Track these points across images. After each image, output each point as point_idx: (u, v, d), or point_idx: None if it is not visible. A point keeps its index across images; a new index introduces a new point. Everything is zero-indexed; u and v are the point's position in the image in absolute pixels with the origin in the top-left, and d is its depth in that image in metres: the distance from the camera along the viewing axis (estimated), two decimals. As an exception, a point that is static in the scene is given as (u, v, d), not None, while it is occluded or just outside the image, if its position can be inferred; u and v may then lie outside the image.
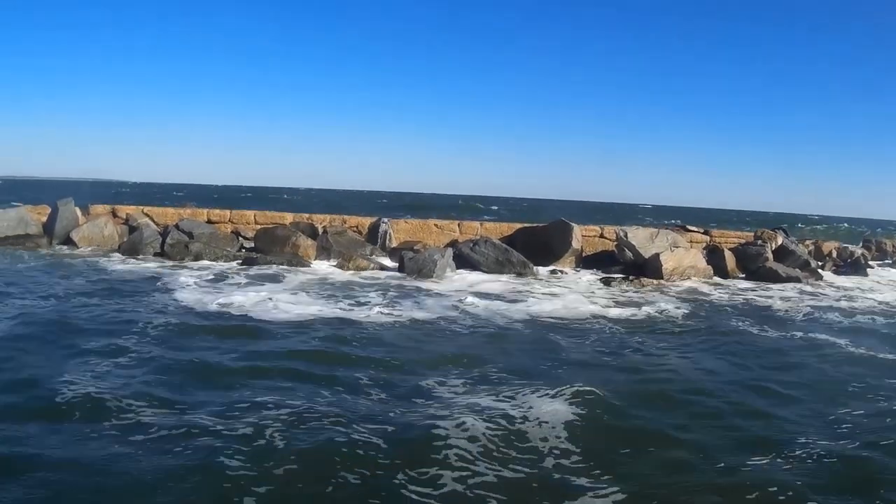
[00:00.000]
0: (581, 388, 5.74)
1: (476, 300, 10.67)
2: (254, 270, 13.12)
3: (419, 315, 9.37)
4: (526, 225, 16.71)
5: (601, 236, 16.61)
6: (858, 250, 23.26)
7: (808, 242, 21.69)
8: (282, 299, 9.91)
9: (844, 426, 5.43)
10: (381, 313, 9.34)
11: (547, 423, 5.04)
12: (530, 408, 5.32)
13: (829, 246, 21.85)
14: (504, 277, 13.72)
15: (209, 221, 16.36)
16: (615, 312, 10.41)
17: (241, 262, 14.32)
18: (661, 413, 5.52)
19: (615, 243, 16.37)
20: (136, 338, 7.17)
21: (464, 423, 4.83)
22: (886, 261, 23.94)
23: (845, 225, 28.15)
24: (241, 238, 15.83)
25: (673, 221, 25.99)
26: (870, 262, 21.88)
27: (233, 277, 12.16)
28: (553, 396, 5.62)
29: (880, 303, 13.33)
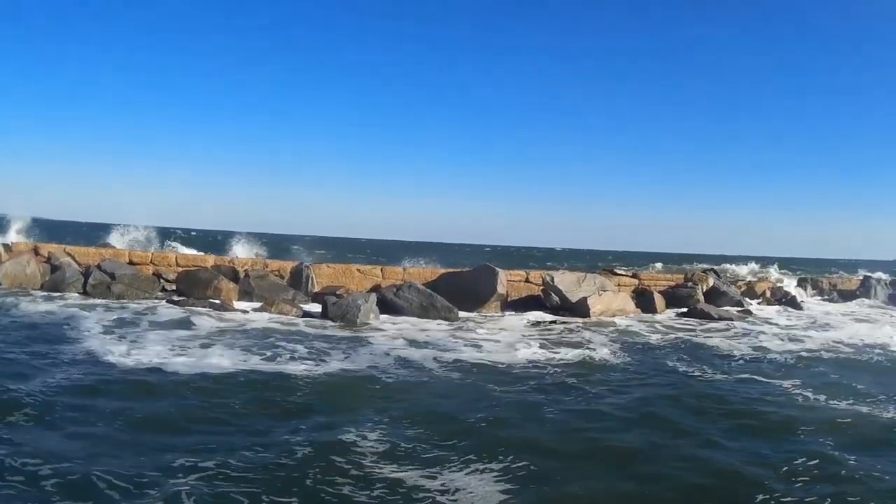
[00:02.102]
0: (518, 464, 5.47)
1: (405, 348, 10.68)
2: (175, 313, 13.06)
3: (346, 366, 9.16)
4: (451, 269, 17.01)
5: (527, 280, 17.00)
6: (793, 289, 24.17)
7: (740, 283, 22.55)
8: (201, 348, 9.76)
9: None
10: (306, 365, 9.06)
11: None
12: (457, 490, 4.99)
13: (763, 286, 22.77)
14: (431, 323, 13.87)
15: (131, 262, 16.33)
16: (548, 357, 10.48)
17: (165, 302, 14.36)
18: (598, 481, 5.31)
19: (542, 288, 16.76)
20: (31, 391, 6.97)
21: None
22: (823, 297, 24.79)
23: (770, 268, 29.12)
24: (162, 280, 15.83)
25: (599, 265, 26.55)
26: (804, 300, 22.98)
27: (153, 321, 12.07)
28: (482, 472, 5.32)
29: (820, 339, 13.96)
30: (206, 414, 6.57)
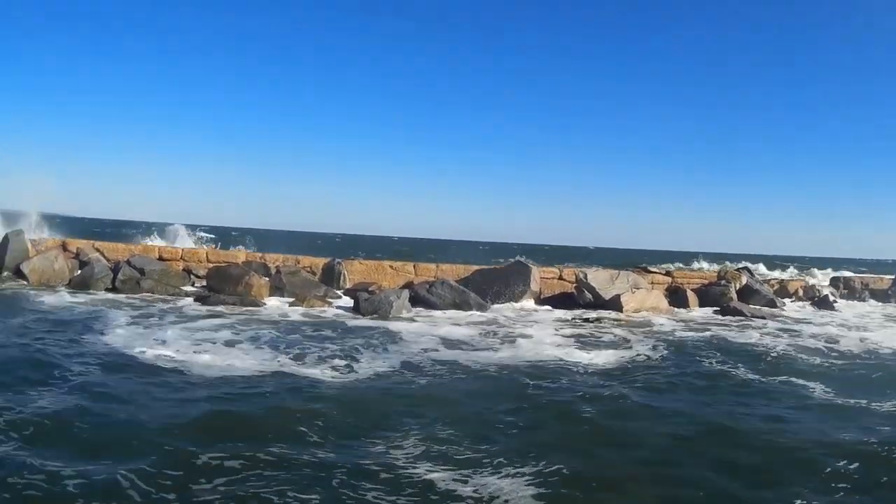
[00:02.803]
0: (551, 468, 5.30)
1: (438, 346, 10.54)
2: (204, 309, 13.04)
3: (377, 365, 8.95)
4: (483, 266, 16.89)
5: (560, 278, 16.87)
6: (826, 289, 23.84)
7: (773, 281, 22.32)
8: (227, 346, 9.62)
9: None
10: (336, 363, 8.87)
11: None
12: (490, 494, 4.85)
13: (796, 284, 22.49)
14: (463, 319, 13.70)
15: (161, 258, 16.37)
16: (585, 356, 10.23)
17: (193, 299, 14.33)
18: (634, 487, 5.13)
19: (574, 285, 16.63)
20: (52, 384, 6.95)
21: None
22: (856, 297, 24.39)
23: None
24: (192, 276, 15.87)
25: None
26: (837, 300, 22.34)
27: (180, 317, 12.00)
28: (515, 476, 5.17)
29: (856, 341, 13.39)
30: (231, 413, 6.39)
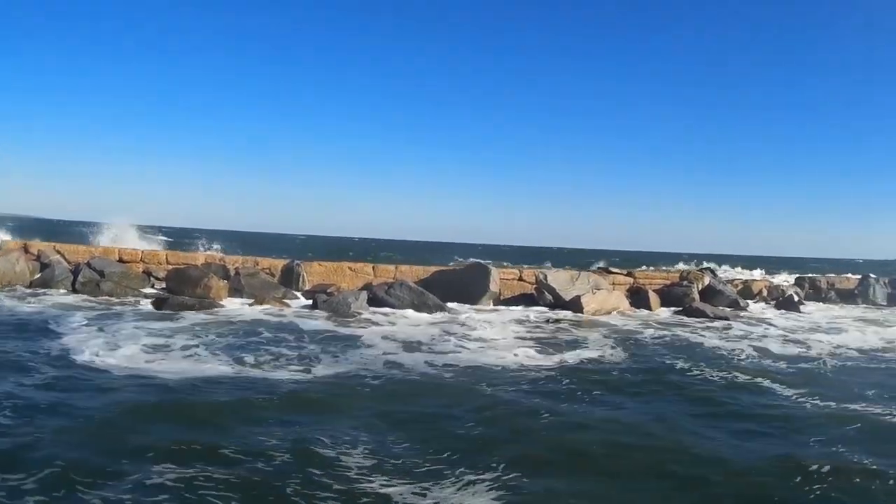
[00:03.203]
0: (510, 475, 5.22)
1: (397, 349, 10.48)
2: (162, 311, 13.05)
3: (335, 369, 8.87)
4: (442, 268, 17.01)
5: (520, 279, 17.05)
6: (790, 289, 24.08)
7: (736, 282, 22.52)
8: (183, 348, 9.59)
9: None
10: (292, 367, 8.84)
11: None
12: None
13: (760, 285, 22.68)
14: (423, 320, 13.75)
15: (120, 260, 16.36)
16: (543, 359, 10.22)
17: (152, 302, 14.35)
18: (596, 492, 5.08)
19: (534, 286, 16.73)
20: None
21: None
22: (821, 297, 24.61)
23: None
24: (152, 278, 15.88)
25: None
26: (803, 300, 22.31)
27: (138, 319, 11.97)
28: (475, 484, 5.06)
29: (819, 342, 13.43)
30: (185, 419, 6.28)
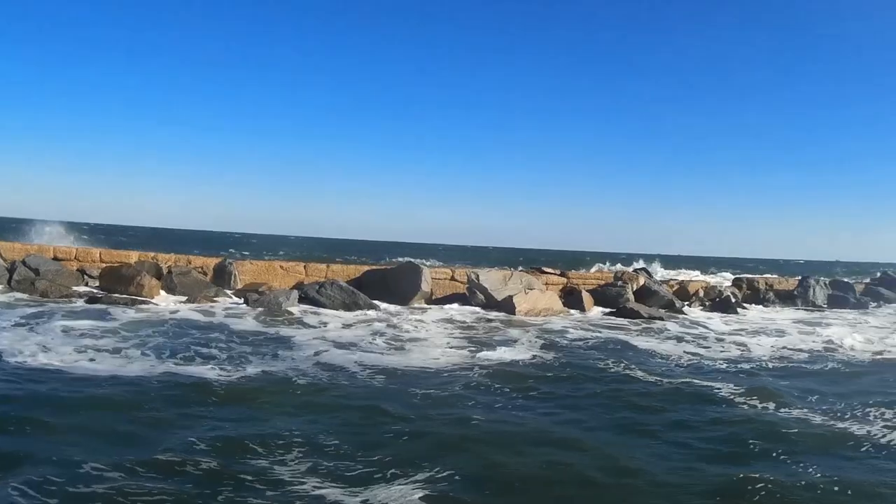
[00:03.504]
0: (442, 475, 5.30)
1: (328, 349, 10.50)
2: (94, 310, 13.07)
3: (265, 368, 8.85)
4: (374, 267, 17.35)
5: (452, 279, 17.38)
6: (727, 290, 24.59)
7: (672, 282, 22.69)
8: (113, 349, 9.49)
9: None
10: (222, 368, 8.76)
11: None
12: None
13: (696, 286, 22.54)
14: (354, 320, 13.86)
15: (55, 258, 16.44)
16: (474, 359, 10.28)
17: (86, 300, 14.53)
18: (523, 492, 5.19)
19: (466, 286, 17.07)
20: None
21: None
22: (760, 298, 25.08)
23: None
24: (86, 276, 16.02)
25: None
26: (740, 301, 22.26)
27: (70, 318, 11.93)
28: (406, 485, 5.11)
29: (756, 343, 13.52)
30: (113, 420, 6.23)
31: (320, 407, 7.22)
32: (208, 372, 8.53)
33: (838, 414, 7.81)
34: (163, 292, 15.23)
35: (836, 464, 6.02)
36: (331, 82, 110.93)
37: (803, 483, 5.47)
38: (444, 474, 5.33)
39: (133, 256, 16.51)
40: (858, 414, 7.81)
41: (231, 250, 38.80)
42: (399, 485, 5.14)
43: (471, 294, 16.96)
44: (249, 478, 5.11)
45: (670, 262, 31.80)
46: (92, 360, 8.86)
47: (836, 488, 5.39)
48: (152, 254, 16.81)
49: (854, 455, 6.34)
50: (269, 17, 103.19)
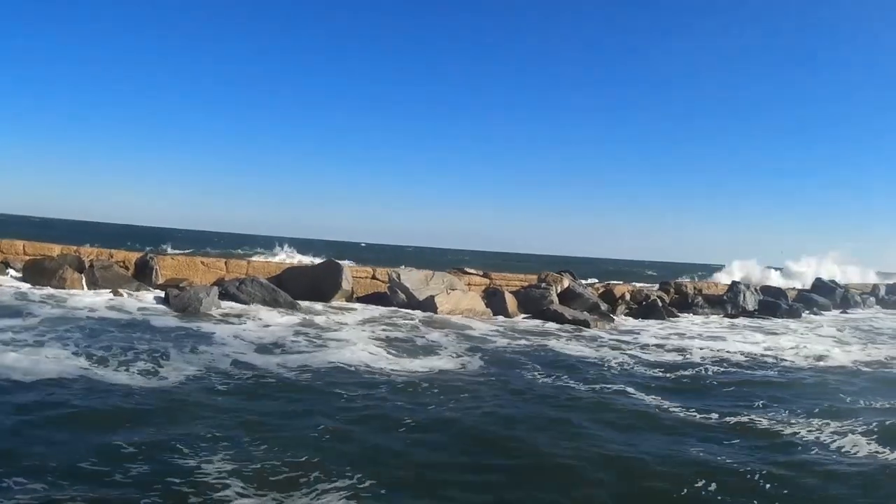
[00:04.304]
0: (365, 483, 5.35)
1: (249, 349, 10.62)
2: (13, 304, 13.09)
3: (183, 370, 8.79)
4: (295, 264, 17.88)
5: (373, 277, 17.91)
6: (654, 293, 25.03)
7: (598, 285, 22.99)
8: (30, 346, 9.43)
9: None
10: (139, 367, 8.75)
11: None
12: None
13: (622, 289, 22.54)
14: (274, 319, 14.05)
15: (-22, 250, 16.80)
16: (396, 362, 10.41)
17: (7, 292, 14.87)
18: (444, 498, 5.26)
19: (388, 285, 17.64)
20: None
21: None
22: (689, 303, 25.53)
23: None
24: (10, 268, 16.34)
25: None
26: (670, 307, 22.12)
27: None
28: (330, 492, 5.16)
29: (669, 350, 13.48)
30: (28, 426, 6.08)
31: (244, 409, 7.17)
32: (129, 372, 8.54)
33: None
34: (86, 287, 15.62)
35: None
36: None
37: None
38: (368, 483, 5.35)
39: (56, 249, 16.80)
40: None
41: (163, 246, 38.82)
42: (323, 493, 5.15)
43: (392, 293, 17.42)
44: (177, 480, 5.11)
45: (596, 265, 32.36)
46: (6, 354, 8.83)
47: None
48: (74, 247, 17.15)
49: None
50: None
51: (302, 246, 33.92)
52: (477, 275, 19.86)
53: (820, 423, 7.91)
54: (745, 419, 8.00)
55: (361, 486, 5.30)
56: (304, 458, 5.76)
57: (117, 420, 6.46)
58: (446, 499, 5.21)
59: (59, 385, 7.60)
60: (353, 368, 9.78)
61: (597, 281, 25.35)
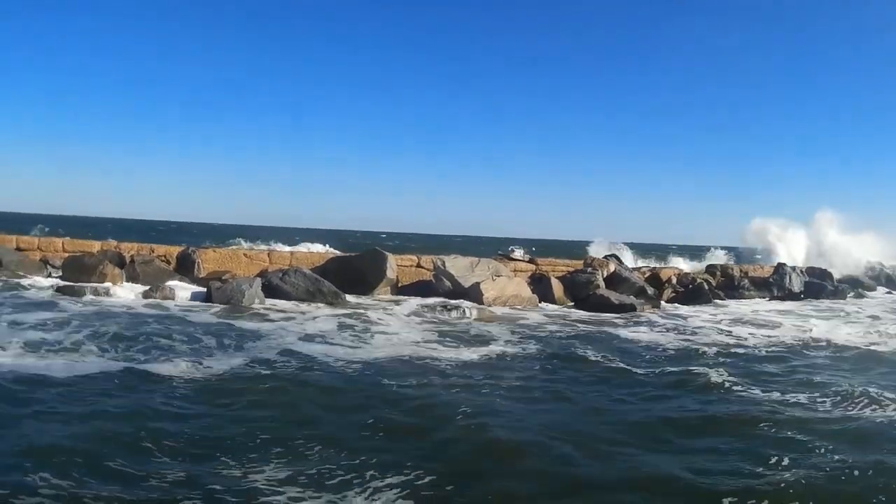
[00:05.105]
0: (423, 481, 5.02)
1: (295, 341, 10.36)
2: (56, 300, 13.06)
3: (231, 366, 8.42)
4: (339, 254, 17.48)
5: (418, 265, 17.55)
6: (700, 276, 24.20)
7: (644, 269, 22.57)
8: (70, 343, 9.30)
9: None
10: (182, 362, 8.43)
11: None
12: None
13: (668, 272, 22.16)
14: (319, 310, 13.82)
15: (18, 248, 16.57)
16: (446, 352, 10.10)
17: (53, 289, 14.61)
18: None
19: (433, 273, 17.24)
20: None
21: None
22: (735, 286, 24.87)
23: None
24: (49, 266, 16.13)
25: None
26: (716, 290, 21.83)
27: (29, 309, 11.84)
28: (383, 491, 4.85)
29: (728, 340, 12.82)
30: (69, 425, 5.83)
31: (291, 405, 6.88)
32: (172, 364, 8.34)
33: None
34: (126, 282, 15.34)
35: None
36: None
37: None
38: (427, 479, 5.04)
39: (95, 246, 16.61)
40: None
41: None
42: (382, 491, 4.86)
43: (437, 281, 17.12)
44: (219, 488, 4.73)
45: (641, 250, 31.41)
46: (51, 349, 8.82)
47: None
48: (115, 243, 16.92)
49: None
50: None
51: (316, 237, 33.33)
52: (523, 261, 19.45)
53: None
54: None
55: (419, 487, 4.95)
56: (357, 459, 5.41)
57: (157, 415, 6.24)
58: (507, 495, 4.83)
59: (98, 380, 7.41)
60: (402, 359, 9.43)
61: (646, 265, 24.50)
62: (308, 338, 10.77)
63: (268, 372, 8.22)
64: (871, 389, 8.11)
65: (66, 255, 16.28)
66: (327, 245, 25.31)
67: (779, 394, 8.14)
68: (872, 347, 12.23)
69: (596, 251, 24.52)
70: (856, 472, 5.34)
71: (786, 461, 5.60)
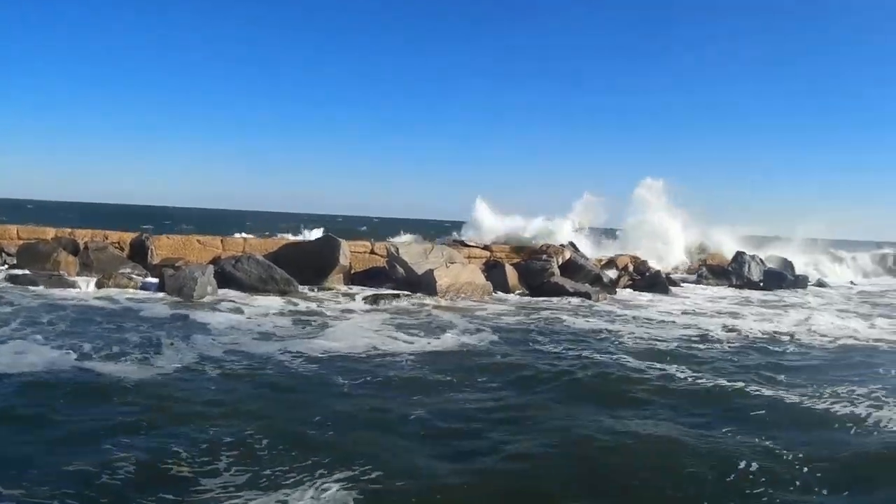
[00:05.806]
0: (362, 477, 5.04)
1: (246, 331, 10.48)
2: (6, 290, 13.13)
3: (177, 359, 8.40)
4: (292, 240, 17.79)
5: (372, 252, 17.82)
6: (658, 264, 24.97)
7: (601, 256, 23.08)
8: (26, 334, 9.29)
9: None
10: (132, 358, 8.38)
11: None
12: None
13: (624, 259, 22.50)
14: (272, 300, 13.98)
15: (-26, 236, 16.74)
16: (401, 343, 10.18)
17: (6, 279, 14.76)
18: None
19: (386, 259, 17.57)
20: None
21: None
22: (691, 274, 24.12)
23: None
24: (4, 254, 16.28)
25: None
26: (672, 278, 21.78)
27: None
28: (332, 489, 4.82)
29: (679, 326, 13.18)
30: (10, 424, 5.78)
31: (241, 399, 6.87)
32: (121, 358, 8.32)
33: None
34: (80, 270, 15.49)
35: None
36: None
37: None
38: (375, 475, 5.08)
39: (50, 233, 16.73)
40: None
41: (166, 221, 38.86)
42: (334, 488, 4.85)
43: (391, 268, 17.37)
44: (171, 493, 4.70)
45: None
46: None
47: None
48: (69, 229, 17.08)
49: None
50: None
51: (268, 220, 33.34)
52: (477, 247, 19.77)
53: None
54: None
55: (366, 482, 4.98)
56: (308, 456, 5.40)
57: (100, 414, 6.14)
58: (455, 495, 4.91)
59: (43, 377, 7.28)
60: (356, 351, 9.44)
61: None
62: (259, 331, 10.75)
63: (217, 369, 8.11)
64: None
65: (21, 241, 16.41)
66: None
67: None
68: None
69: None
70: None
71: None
